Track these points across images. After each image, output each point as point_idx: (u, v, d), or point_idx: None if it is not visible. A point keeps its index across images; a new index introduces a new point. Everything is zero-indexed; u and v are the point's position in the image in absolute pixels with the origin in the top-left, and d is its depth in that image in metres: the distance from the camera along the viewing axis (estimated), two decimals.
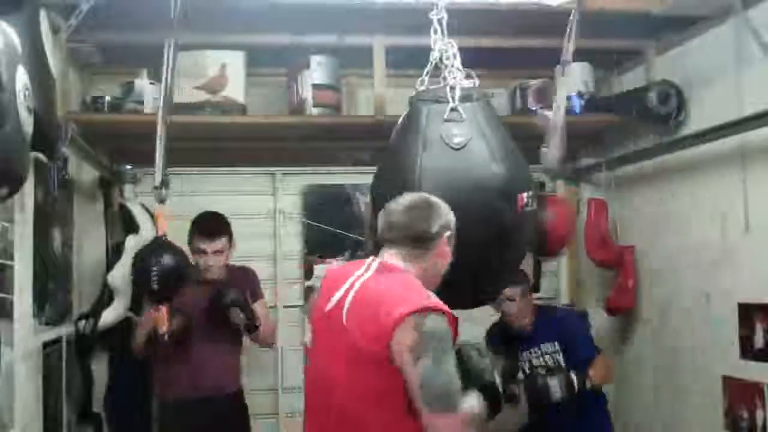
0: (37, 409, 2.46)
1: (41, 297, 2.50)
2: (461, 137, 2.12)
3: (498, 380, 1.93)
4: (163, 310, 2.67)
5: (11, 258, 2.19)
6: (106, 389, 3.30)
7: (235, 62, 3.19)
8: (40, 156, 2.28)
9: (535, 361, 3.01)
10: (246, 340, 3.12)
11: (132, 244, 3.16)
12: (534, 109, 3.50)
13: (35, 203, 2.43)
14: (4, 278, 2.14)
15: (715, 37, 2.93)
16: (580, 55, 3.33)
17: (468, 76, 2.25)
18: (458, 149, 2.12)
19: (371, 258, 1.96)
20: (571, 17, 2.51)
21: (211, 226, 3.05)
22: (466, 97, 2.19)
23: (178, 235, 3.02)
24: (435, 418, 1.68)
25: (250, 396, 3.23)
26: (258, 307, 3.05)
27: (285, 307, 3.71)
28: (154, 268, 2.54)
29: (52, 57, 2.11)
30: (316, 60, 3.23)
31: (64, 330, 2.84)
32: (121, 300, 3.10)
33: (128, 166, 3.36)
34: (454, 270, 2.00)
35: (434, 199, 1.96)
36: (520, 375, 2.99)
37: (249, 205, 3.73)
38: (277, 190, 3.80)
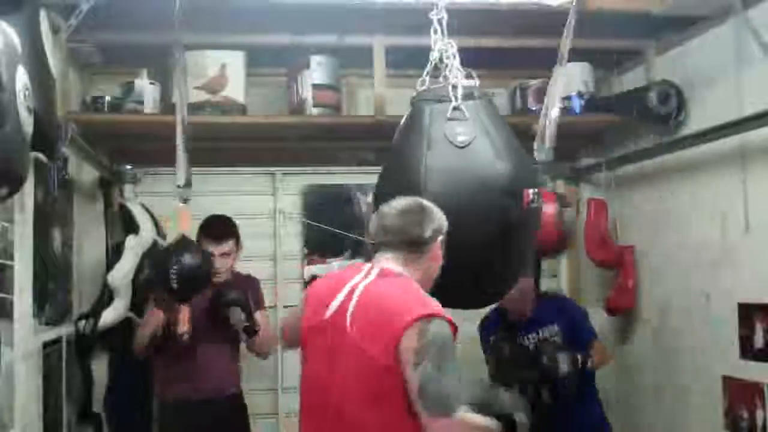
0: (37, 409, 2.46)
1: (41, 297, 2.49)
2: (465, 135, 2.13)
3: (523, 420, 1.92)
4: (185, 310, 2.68)
5: (11, 258, 2.19)
6: (106, 389, 3.30)
7: (235, 62, 3.19)
8: (40, 156, 2.28)
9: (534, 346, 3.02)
10: (243, 346, 3.12)
11: (132, 244, 3.16)
12: (534, 109, 3.51)
13: (35, 203, 2.43)
14: (4, 278, 2.14)
15: (715, 37, 2.93)
16: (580, 55, 3.34)
17: (468, 76, 2.25)
18: (462, 147, 2.12)
19: (370, 264, 1.96)
20: (569, 15, 2.51)
21: (218, 228, 3.05)
22: (468, 96, 2.19)
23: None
24: (433, 421, 1.70)
25: (250, 396, 3.23)
26: (258, 315, 3.02)
27: (285, 307, 3.70)
28: (175, 268, 2.53)
29: (52, 57, 2.11)
30: (316, 60, 3.23)
31: (64, 330, 2.84)
32: (121, 300, 3.10)
33: (128, 166, 3.36)
34: (460, 270, 2.01)
35: (427, 203, 1.97)
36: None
37: (249, 205, 3.73)
38: (277, 190, 3.81)
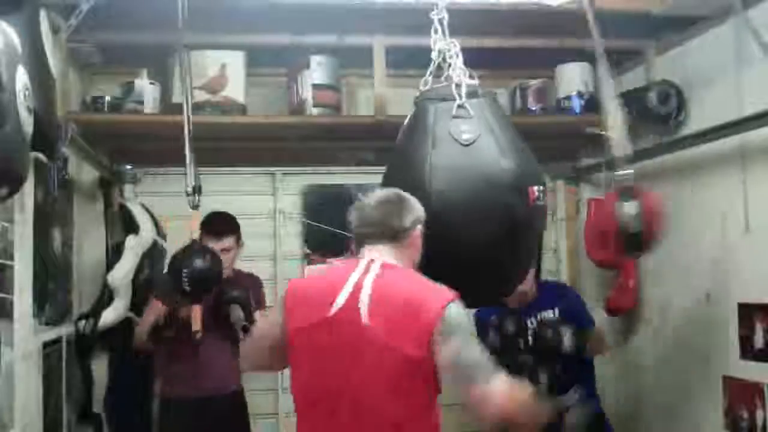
0: (37, 409, 2.46)
1: (41, 297, 2.50)
2: (470, 133, 2.12)
3: None
4: (197, 309, 2.70)
5: (11, 258, 2.19)
6: (106, 389, 3.30)
7: (235, 62, 3.20)
8: (40, 156, 2.28)
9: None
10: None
11: (132, 244, 3.16)
12: (534, 109, 3.51)
13: (35, 203, 2.43)
14: (4, 278, 2.14)
15: (715, 37, 2.93)
16: (580, 55, 3.35)
17: (469, 76, 2.25)
18: (467, 145, 2.12)
19: (362, 258, 1.94)
20: (588, 16, 2.51)
21: (219, 225, 3.06)
22: (472, 94, 2.19)
23: (179, 235, 3.03)
24: (477, 390, 1.74)
25: (250, 396, 3.23)
26: (258, 315, 3.00)
27: None
28: (186, 270, 2.58)
29: (52, 57, 2.10)
30: (316, 60, 3.23)
31: (64, 330, 2.84)
32: (121, 300, 3.10)
33: (128, 166, 3.36)
34: (467, 267, 2.01)
35: (404, 193, 1.99)
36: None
37: (249, 205, 3.73)
38: (277, 190, 3.81)
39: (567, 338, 2.86)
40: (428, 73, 2.31)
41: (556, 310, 3.05)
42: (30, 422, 2.35)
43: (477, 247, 2.06)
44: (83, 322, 3.01)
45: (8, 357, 2.13)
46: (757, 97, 2.63)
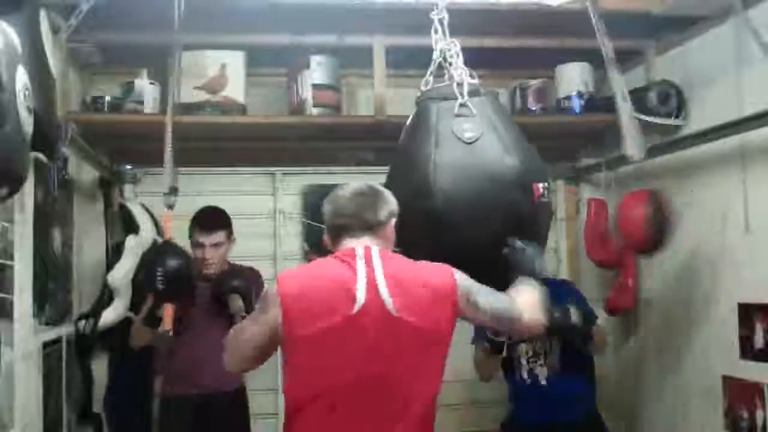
0: (37, 409, 2.46)
1: (41, 297, 2.50)
2: (473, 132, 2.13)
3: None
4: (169, 308, 2.71)
5: (11, 258, 2.19)
6: (106, 389, 3.30)
7: (235, 62, 3.19)
8: (40, 156, 2.28)
9: None
10: None
11: (132, 244, 3.16)
12: (534, 109, 3.51)
13: (35, 203, 2.43)
14: (4, 278, 2.14)
15: (715, 37, 2.93)
16: (580, 55, 3.35)
17: (469, 76, 2.26)
18: (471, 143, 2.12)
19: (361, 251, 1.89)
20: (592, 17, 2.51)
21: (209, 219, 3.06)
22: (474, 92, 2.19)
23: (178, 235, 3.03)
24: (523, 321, 1.97)
25: (250, 396, 3.23)
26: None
27: None
28: (160, 269, 2.62)
29: (52, 57, 2.11)
30: (316, 60, 3.23)
31: (64, 330, 2.84)
32: (121, 300, 3.10)
33: (128, 166, 3.36)
34: (472, 264, 2.00)
35: (378, 186, 2.00)
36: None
37: (249, 205, 3.73)
38: (277, 190, 3.81)
39: (573, 312, 2.87)
40: (429, 73, 2.31)
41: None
42: (30, 422, 2.35)
43: (482, 245, 2.07)
44: (83, 322, 3.01)
45: (8, 357, 2.13)
46: (757, 97, 2.63)
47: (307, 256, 3.77)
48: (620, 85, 2.63)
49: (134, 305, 3.14)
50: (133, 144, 3.45)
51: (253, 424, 3.22)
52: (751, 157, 2.72)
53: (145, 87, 3.12)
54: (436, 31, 2.28)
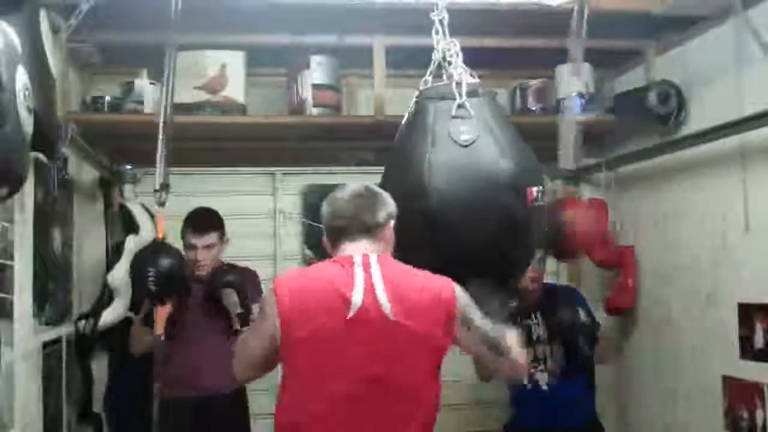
0: (37, 409, 2.46)
1: (41, 297, 2.50)
2: (469, 134, 2.12)
3: None
4: (161, 311, 2.69)
5: (11, 258, 2.19)
6: (106, 389, 3.30)
7: (235, 62, 3.19)
8: (40, 156, 2.28)
9: (538, 329, 3.05)
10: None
11: (132, 244, 3.15)
12: (534, 109, 3.51)
13: (35, 203, 2.43)
14: (4, 278, 2.14)
15: (715, 37, 2.93)
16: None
17: (469, 76, 2.25)
18: (466, 146, 2.12)
19: (360, 254, 1.90)
20: (574, 16, 2.51)
21: (201, 221, 3.05)
22: (472, 93, 2.19)
23: (178, 236, 3.03)
24: (507, 362, 1.94)
25: (250, 396, 3.22)
26: (254, 308, 3.00)
27: None
28: (151, 270, 2.58)
29: (52, 57, 2.11)
30: (316, 60, 3.23)
31: (64, 330, 2.84)
32: (121, 300, 3.10)
33: (128, 166, 3.36)
34: (466, 265, 2.02)
35: (376, 188, 2.00)
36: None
37: (249, 205, 3.73)
38: (277, 190, 3.80)
39: (582, 313, 2.92)
40: (428, 72, 2.31)
41: None
42: (30, 422, 2.35)
43: (476, 246, 2.07)
44: (83, 322, 3.01)
45: (8, 357, 2.13)
46: (757, 97, 2.63)
47: (308, 262, 3.76)
48: (570, 90, 2.62)
49: (134, 305, 3.14)
50: (133, 144, 3.44)
51: (252, 424, 3.22)
52: (751, 157, 2.72)
53: (145, 87, 3.12)
54: (437, 32, 2.27)
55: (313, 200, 3.79)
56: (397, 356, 1.82)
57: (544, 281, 3.21)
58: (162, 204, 2.60)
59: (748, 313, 2.72)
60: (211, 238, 3.02)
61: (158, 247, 2.72)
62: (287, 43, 3.15)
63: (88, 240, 3.28)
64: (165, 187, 2.58)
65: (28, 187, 2.31)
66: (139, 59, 3.17)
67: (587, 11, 2.47)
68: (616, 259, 3.53)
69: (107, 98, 3.13)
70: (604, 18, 2.81)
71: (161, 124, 2.52)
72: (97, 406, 3.23)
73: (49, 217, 2.62)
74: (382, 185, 2.28)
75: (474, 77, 2.25)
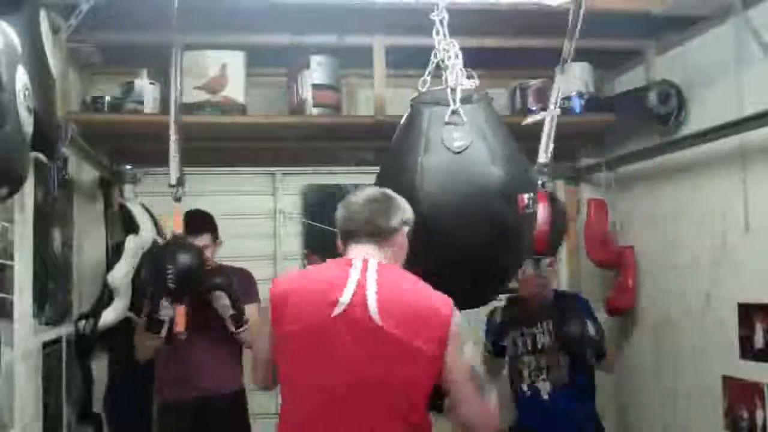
0: (37, 409, 2.46)
1: (41, 297, 2.49)
2: (462, 140, 2.13)
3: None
4: (181, 309, 2.67)
5: (11, 258, 2.19)
6: (106, 389, 3.30)
7: (235, 62, 3.19)
8: (40, 156, 2.28)
9: (543, 337, 3.05)
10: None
11: (132, 244, 3.16)
12: (534, 109, 3.51)
13: (35, 203, 2.43)
14: (4, 278, 2.14)
15: (715, 37, 2.93)
16: (580, 55, 3.34)
17: (469, 77, 2.25)
18: (458, 152, 2.13)
19: (361, 257, 1.91)
20: (570, 16, 2.51)
21: (193, 222, 3.03)
22: (466, 99, 2.19)
23: None
24: (482, 405, 1.86)
25: (250, 396, 3.23)
26: (248, 308, 2.95)
27: None
28: (170, 267, 2.53)
29: (52, 57, 2.11)
30: (316, 60, 3.23)
31: (64, 330, 2.83)
32: (121, 300, 3.10)
33: (128, 166, 3.36)
34: (457, 270, 2.03)
35: (392, 193, 1.99)
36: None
37: (249, 205, 3.74)
38: (277, 190, 3.81)
39: (591, 326, 2.92)
40: (426, 72, 2.31)
41: None
42: (30, 422, 2.35)
43: (466, 250, 2.08)
44: (83, 322, 3.01)
45: (8, 357, 2.13)
46: (757, 97, 2.63)
47: (307, 257, 3.77)
48: (558, 88, 2.63)
49: (134, 305, 3.14)
50: (133, 144, 3.45)
51: (253, 424, 3.22)
52: (751, 157, 2.72)
53: (145, 87, 3.12)
54: (437, 33, 2.28)
55: (313, 200, 3.80)
56: (377, 361, 1.81)
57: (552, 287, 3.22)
58: (178, 200, 2.59)
59: (748, 313, 2.72)
60: (204, 239, 3.00)
61: (177, 243, 2.64)
62: (287, 43, 3.15)
63: (88, 240, 3.28)
64: (181, 182, 2.57)
65: (28, 187, 2.31)
66: (139, 59, 3.17)
67: (583, 11, 2.47)
68: (616, 259, 3.53)
69: (107, 98, 3.13)
70: (605, 18, 2.81)
71: (172, 121, 2.53)
72: (97, 406, 3.23)
73: (49, 217, 2.62)
74: (376, 184, 2.29)
75: (474, 78, 2.25)
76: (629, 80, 3.55)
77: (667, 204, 3.29)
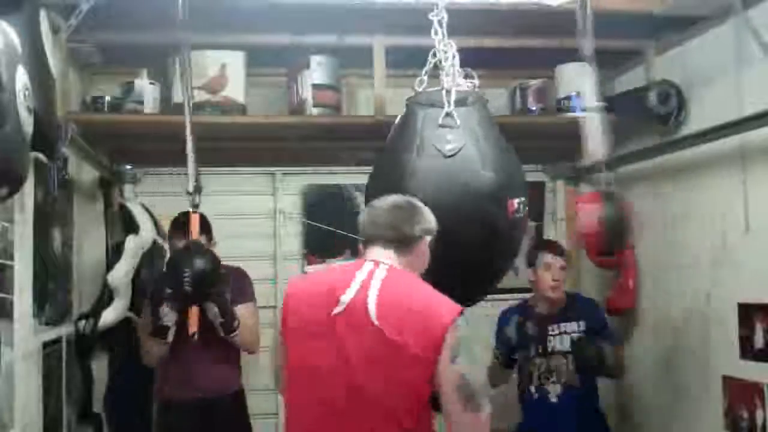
0: (37, 409, 2.46)
1: (41, 297, 2.50)
2: (454, 144, 2.15)
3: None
4: (195, 311, 2.67)
5: (11, 258, 2.19)
6: (106, 389, 3.30)
7: (235, 62, 3.19)
8: (40, 156, 2.28)
9: (554, 340, 3.06)
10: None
11: (132, 244, 3.16)
12: (534, 109, 3.51)
13: (35, 203, 2.43)
14: (4, 278, 2.14)
15: (715, 37, 2.93)
16: (580, 55, 3.34)
17: (468, 76, 2.26)
18: (450, 156, 2.13)
19: (372, 261, 1.95)
20: (579, 15, 2.51)
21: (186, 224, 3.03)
22: (461, 101, 2.19)
23: None
24: (467, 416, 1.82)
25: (249, 396, 3.23)
26: (242, 309, 2.97)
27: None
28: (187, 271, 2.54)
29: (52, 57, 2.11)
30: (316, 60, 3.23)
31: (64, 330, 2.83)
32: (121, 300, 3.10)
33: (128, 166, 3.36)
34: (443, 270, 2.03)
35: (418, 202, 2.00)
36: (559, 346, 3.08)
37: (249, 205, 3.74)
38: (277, 190, 3.81)
39: (610, 354, 2.95)
40: (424, 72, 2.32)
41: (582, 324, 3.09)
42: (30, 422, 2.35)
43: (452, 253, 2.09)
44: (83, 322, 3.01)
45: (8, 357, 2.13)
46: (757, 97, 2.63)
47: (306, 257, 3.77)
48: (594, 85, 2.63)
49: (134, 305, 3.14)
50: (133, 144, 3.45)
51: (253, 424, 3.22)
52: (751, 157, 2.72)
53: (145, 87, 3.12)
54: (436, 33, 2.27)
55: (313, 200, 3.80)
56: (378, 364, 1.82)
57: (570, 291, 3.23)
58: (196, 206, 2.60)
59: (748, 313, 2.72)
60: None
61: (195, 248, 2.65)
62: (287, 43, 3.15)
63: (88, 240, 3.27)
64: (198, 189, 2.58)
65: (28, 187, 2.31)
66: (139, 59, 3.17)
67: (589, 9, 2.47)
68: (616, 259, 3.53)
69: (107, 98, 3.13)
70: (604, 18, 2.81)
71: (188, 124, 2.54)
72: (97, 406, 3.23)
73: (49, 217, 2.62)
74: (369, 185, 2.30)
75: (473, 77, 2.25)
76: (629, 80, 3.55)
77: (667, 204, 3.29)
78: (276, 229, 3.79)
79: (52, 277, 2.65)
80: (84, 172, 3.23)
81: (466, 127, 2.17)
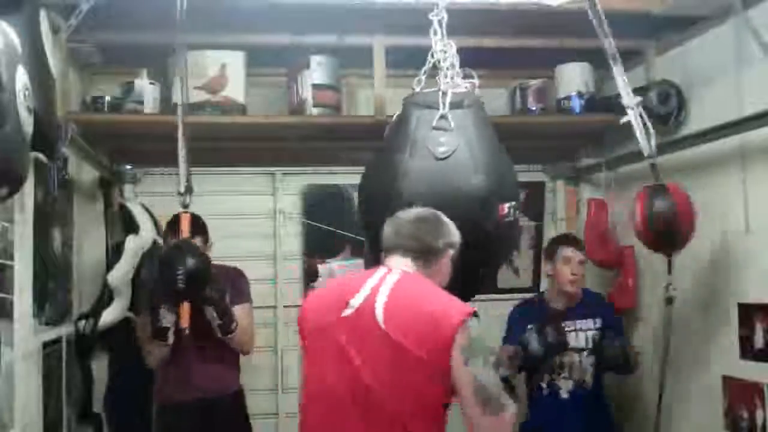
0: (37, 409, 2.46)
1: (41, 297, 2.50)
2: (447, 146, 2.15)
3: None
4: (186, 306, 2.68)
5: (11, 258, 2.19)
6: (106, 389, 3.30)
7: (235, 62, 3.19)
8: (40, 156, 2.28)
9: (569, 336, 3.06)
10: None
11: (132, 244, 3.16)
12: (534, 109, 3.51)
13: (35, 203, 2.43)
14: (4, 278, 2.14)
15: (715, 37, 2.93)
16: (579, 55, 3.35)
17: (468, 76, 2.25)
18: (442, 159, 2.13)
19: (386, 267, 1.96)
20: (591, 17, 2.50)
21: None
22: (457, 104, 2.19)
23: None
24: (486, 419, 1.79)
25: (250, 396, 3.23)
26: (238, 309, 2.97)
27: (285, 307, 3.71)
28: (180, 269, 2.54)
29: (52, 57, 2.10)
30: (316, 60, 3.23)
31: (64, 330, 2.84)
32: (121, 300, 3.10)
33: (128, 166, 3.36)
34: None
35: (443, 216, 2.00)
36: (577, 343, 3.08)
37: (249, 205, 3.74)
38: (277, 190, 3.81)
39: (630, 352, 3.00)
40: (422, 72, 2.31)
41: (598, 321, 3.11)
42: (30, 422, 2.35)
43: None
44: (83, 322, 3.01)
45: (8, 357, 2.13)
46: (757, 97, 2.63)
47: (306, 257, 3.77)
48: (625, 82, 2.62)
49: (134, 305, 3.14)
50: (133, 144, 3.45)
51: (253, 424, 3.22)
52: (751, 157, 2.72)
53: (145, 87, 3.12)
54: (435, 33, 2.27)
55: (312, 200, 3.80)
56: (385, 368, 1.82)
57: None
58: (186, 206, 2.60)
59: (748, 313, 2.72)
60: (196, 242, 3.00)
61: (186, 246, 2.65)
62: (287, 43, 3.15)
63: (88, 240, 3.27)
64: (189, 189, 2.59)
65: (28, 187, 2.31)
66: (139, 59, 3.17)
67: (585, 9, 2.47)
68: (616, 259, 3.53)
69: (107, 98, 3.13)
70: (605, 18, 2.81)
71: (180, 125, 2.53)
72: (97, 406, 3.23)
73: (49, 217, 2.62)
74: (362, 184, 2.30)
75: (473, 77, 2.25)
76: (629, 80, 3.53)
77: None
78: (276, 229, 3.79)
79: (52, 277, 2.65)
80: (84, 172, 3.23)
81: (459, 129, 2.17)
